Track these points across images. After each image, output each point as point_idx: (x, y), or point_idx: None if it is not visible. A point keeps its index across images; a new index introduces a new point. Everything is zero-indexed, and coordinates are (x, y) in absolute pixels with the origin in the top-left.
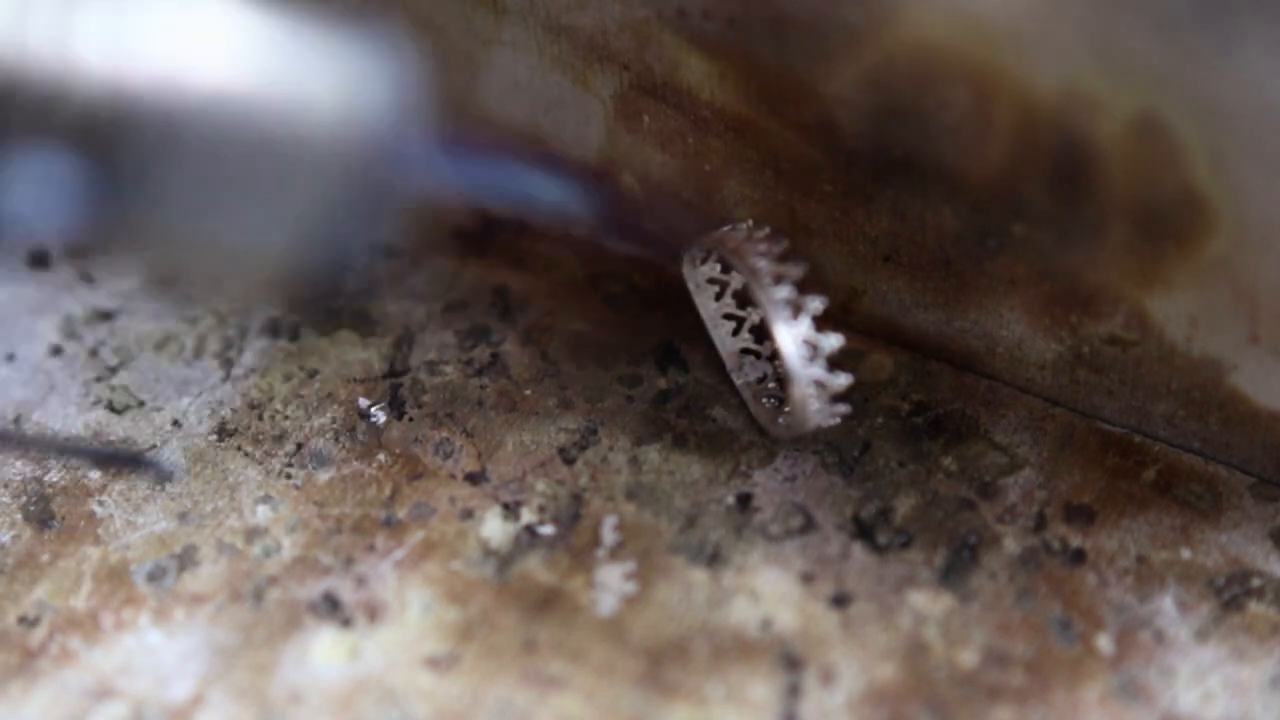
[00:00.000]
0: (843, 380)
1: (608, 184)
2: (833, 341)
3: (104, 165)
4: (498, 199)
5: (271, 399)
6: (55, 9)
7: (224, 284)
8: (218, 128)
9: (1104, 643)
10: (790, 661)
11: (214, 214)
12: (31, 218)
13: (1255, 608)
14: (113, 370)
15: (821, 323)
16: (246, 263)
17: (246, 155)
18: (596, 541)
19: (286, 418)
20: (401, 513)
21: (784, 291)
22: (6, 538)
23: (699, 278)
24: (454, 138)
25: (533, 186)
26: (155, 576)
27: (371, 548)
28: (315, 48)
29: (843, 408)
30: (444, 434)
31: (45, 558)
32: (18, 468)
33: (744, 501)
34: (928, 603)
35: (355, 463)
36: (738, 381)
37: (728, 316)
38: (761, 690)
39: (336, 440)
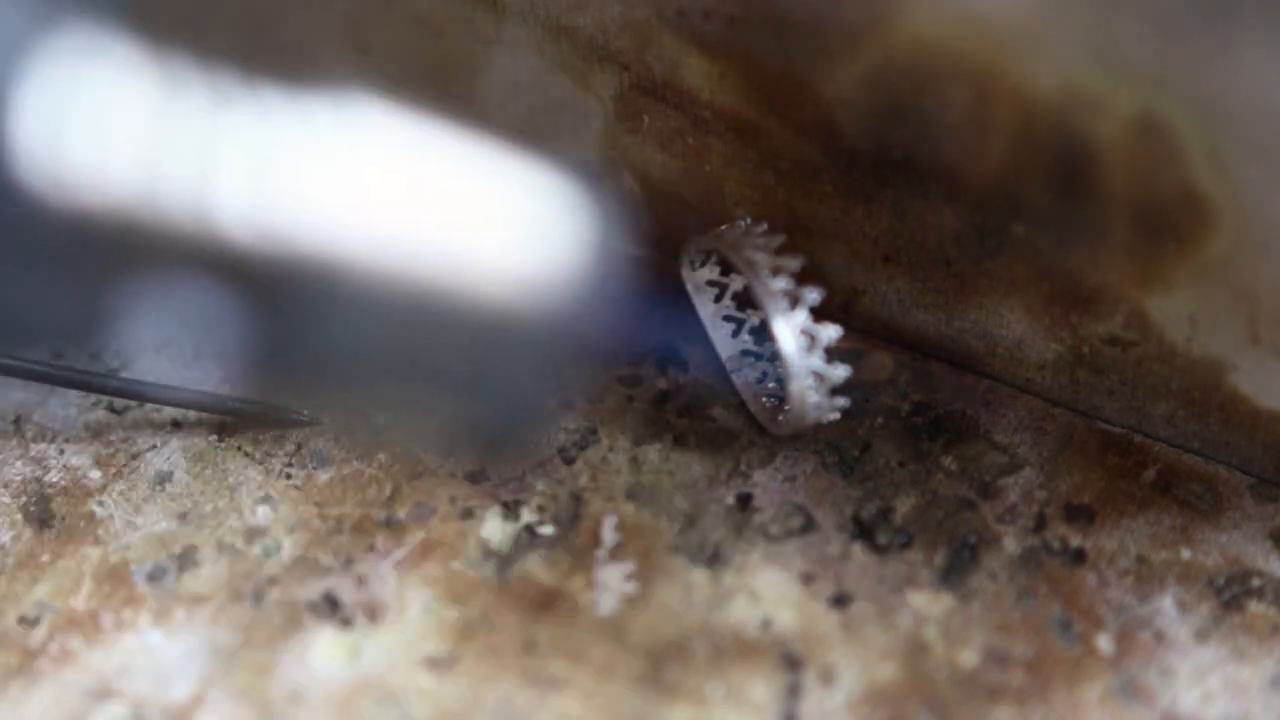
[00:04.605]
0: (841, 372)
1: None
2: (830, 332)
3: (262, 312)
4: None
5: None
6: (197, 139)
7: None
8: (387, 273)
9: (1104, 643)
10: (790, 661)
11: (382, 370)
12: (175, 347)
13: (1255, 608)
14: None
15: (819, 315)
16: (417, 421)
17: (417, 306)
18: (596, 541)
19: None
20: (401, 513)
21: (781, 283)
22: (6, 538)
23: (698, 280)
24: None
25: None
26: (155, 576)
27: (371, 548)
28: (501, 178)
29: (842, 401)
30: None
31: (45, 558)
32: (18, 468)
33: (744, 501)
34: (928, 603)
35: (355, 463)
36: (737, 381)
37: (727, 318)
38: (761, 690)
39: (336, 440)
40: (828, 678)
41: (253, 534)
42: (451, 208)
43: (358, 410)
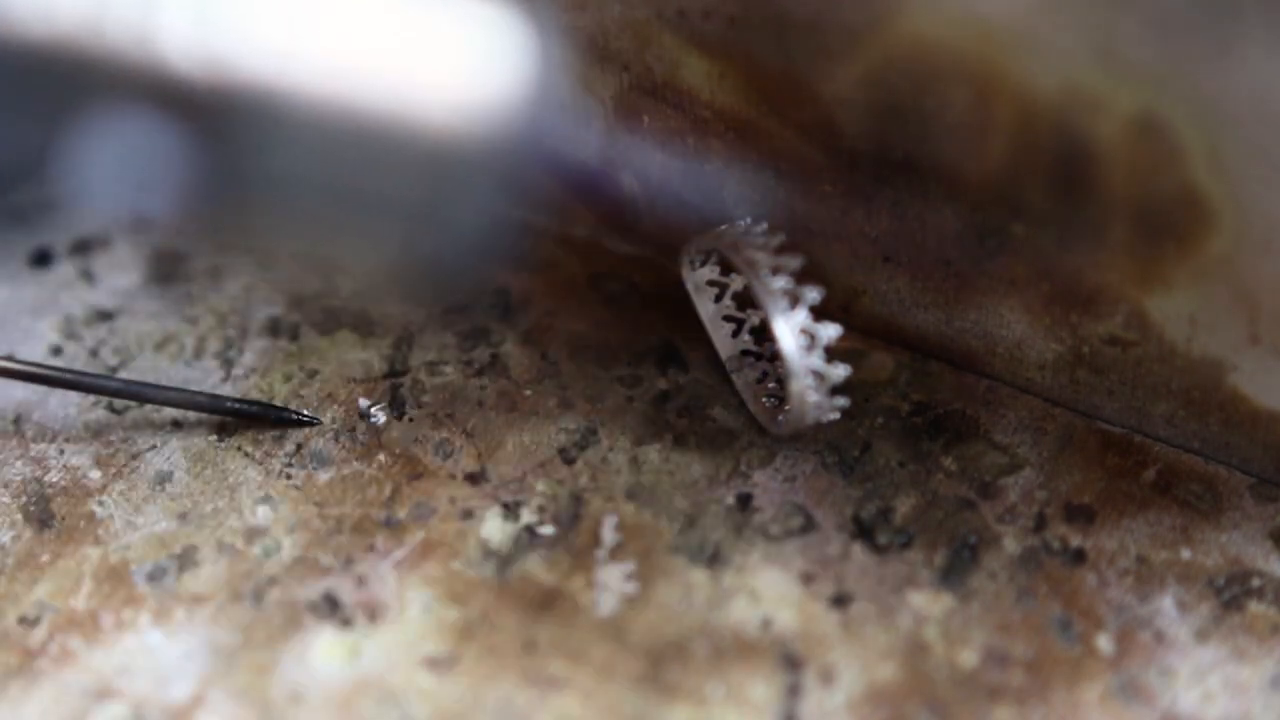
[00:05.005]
0: (840, 371)
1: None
2: (830, 331)
3: (208, 140)
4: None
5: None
6: None
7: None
8: (332, 104)
9: (1104, 643)
10: (790, 661)
11: (326, 198)
12: (124, 182)
13: (1255, 608)
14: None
15: (819, 314)
16: (362, 253)
17: (363, 134)
18: (596, 541)
19: None
20: (401, 513)
21: (781, 282)
22: (6, 538)
23: (698, 279)
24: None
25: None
26: (155, 576)
27: (371, 548)
28: (447, 7)
29: (841, 400)
30: (444, 434)
31: (45, 558)
32: (18, 468)
33: (744, 501)
34: (928, 603)
35: (355, 463)
36: (737, 382)
37: (727, 318)
38: (761, 690)
39: (336, 440)
40: (828, 678)
41: (253, 534)
42: (397, 37)
43: (305, 241)
